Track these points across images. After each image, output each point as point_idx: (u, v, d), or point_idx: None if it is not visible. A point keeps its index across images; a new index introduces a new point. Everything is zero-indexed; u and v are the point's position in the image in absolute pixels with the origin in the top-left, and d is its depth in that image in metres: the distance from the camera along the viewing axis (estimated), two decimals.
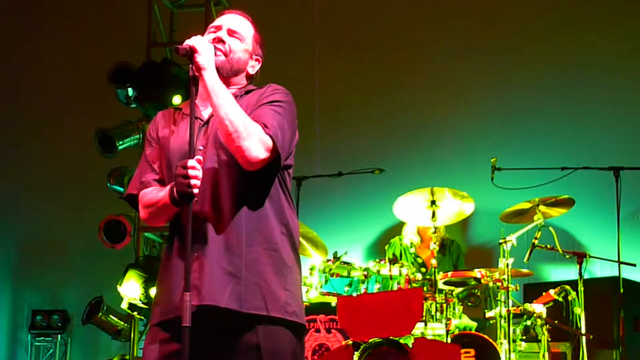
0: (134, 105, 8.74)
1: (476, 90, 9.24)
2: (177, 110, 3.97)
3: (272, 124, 3.67)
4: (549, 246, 7.10)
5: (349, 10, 9.73)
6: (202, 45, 3.64)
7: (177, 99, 8.16)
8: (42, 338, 9.71)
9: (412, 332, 6.29)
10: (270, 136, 3.63)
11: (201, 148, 3.72)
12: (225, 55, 3.84)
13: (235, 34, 3.90)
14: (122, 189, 8.76)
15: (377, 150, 9.07)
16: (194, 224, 3.56)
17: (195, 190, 3.53)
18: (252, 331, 3.62)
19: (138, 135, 8.71)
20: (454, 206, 7.54)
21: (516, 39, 9.21)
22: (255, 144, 3.59)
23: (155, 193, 3.80)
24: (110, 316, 8.73)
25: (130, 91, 8.65)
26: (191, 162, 3.52)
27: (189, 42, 3.65)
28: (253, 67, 3.99)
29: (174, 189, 3.61)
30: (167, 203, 3.69)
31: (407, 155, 9.10)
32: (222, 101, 3.61)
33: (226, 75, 3.85)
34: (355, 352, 6.16)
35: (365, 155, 8.78)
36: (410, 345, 6.13)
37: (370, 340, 6.17)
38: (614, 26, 9.01)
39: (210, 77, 3.64)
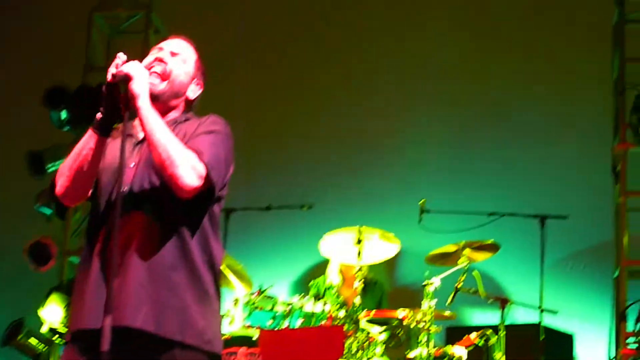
0: (67, 128, 8.67)
1: (407, 132, 9.30)
2: (113, 129, 3.95)
3: (208, 153, 3.67)
4: (472, 290, 7.17)
5: (283, 40, 9.76)
6: (136, 71, 3.63)
7: None
8: None
9: None
10: (205, 165, 3.63)
11: (132, 165, 3.71)
12: (166, 77, 3.86)
13: (178, 56, 3.93)
14: (49, 211, 8.71)
15: (306, 186, 9.06)
16: (118, 238, 3.53)
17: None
18: (166, 357, 3.59)
19: None
20: (380, 246, 7.57)
21: (449, 84, 9.30)
22: (188, 171, 3.58)
23: None
24: (31, 339, 8.61)
25: (63, 114, 8.58)
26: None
27: (124, 69, 3.62)
28: (193, 92, 4.00)
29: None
30: (90, 144, 3.66)
31: (336, 192, 9.09)
32: (154, 128, 3.60)
33: (166, 99, 3.88)
34: None
35: (295, 191, 8.79)
36: None
37: None
38: (545, 73, 9.14)
39: (143, 105, 3.62)
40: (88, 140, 3.67)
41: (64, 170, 3.75)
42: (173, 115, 3.93)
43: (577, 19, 9.10)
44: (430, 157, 9.18)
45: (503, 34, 9.35)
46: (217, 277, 3.84)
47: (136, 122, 3.83)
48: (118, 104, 3.61)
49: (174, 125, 3.85)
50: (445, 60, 9.34)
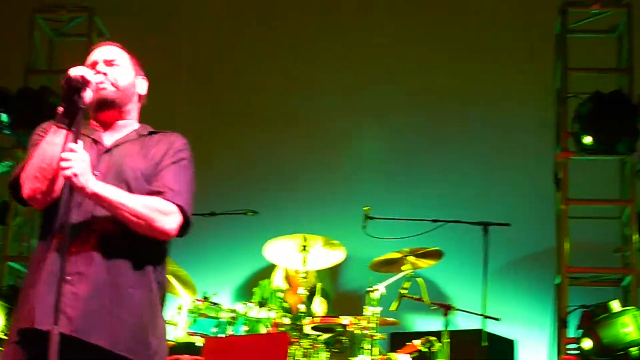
0: (8, 132, 8.55)
1: (352, 138, 9.35)
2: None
3: (179, 188, 3.75)
4: (416, 296, 7.20)
5: (220, 46, 9.70)
6: (78, 168, 3.48)
7: None
8: None
9: None
10: (178, 205, 3.70)
11: (97, 174, 3.65)
12: (115, 86, 3.85)
13: (113, 62, 3.91)
14: None
15: (250, 192, 9.01)
16: (78, 246, 3.54)
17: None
18: None
19: (11, 162, 8.52)
20: (324, 253, 7.59)
21: (392, 92, 9.34)
22: (167, 220, 3.67)
23: None
24: None
25: (4, 117, 8.47)
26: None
27: (66, 172, 3.48)
28: (142, 86, 4.04)
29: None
30: (56, 140, 3.55)
31: (280, 199, 9.08)
32: (113, 202, 3.57)
33: (120, 105, 3.88)
34: None
35: (239, 197, 8.74)
36: None
37: None
38: (488, 81, 9.22)
39: (92, 190, 3.53)
40: (53, 137, 3.59)
41: (31, 173, 3.62)
42: (130, 123, 3.95)
43: (521, 28, 9.17)
44: (374, 165, 9.22)
45: (446, 42, 9.40)
46: (165, 295, 3.86)
47: (95, 126, 3.84)
48: (77, 103, 3.56)
49: (138, 139, 3.89)
50: (388, 70, 9.37)
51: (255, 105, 9.50)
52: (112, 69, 3.89)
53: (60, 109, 3.59)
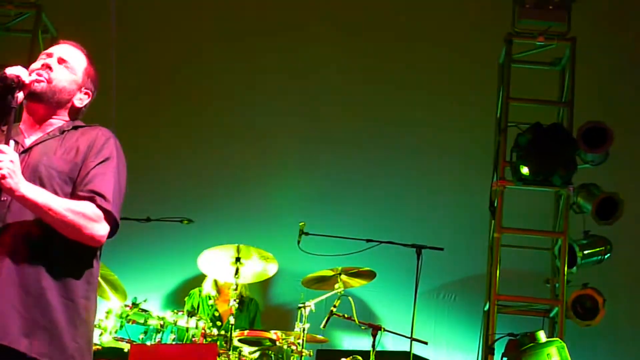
0: None
1: (291, 153, 9.37)
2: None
3: (106, 191, 3.69)
4: (346, 315, 7.22)
5: (165, 54, 9.62)
6: (7, 169, 3.46)
7: None
8: None
9: None
10: (105, 210, 3.65)
11: None
12: (49, 82, 3.78)
13: (64, 63, 3.87)
14: None
15: (187, 201, 8.99)
16: None
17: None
18: None
19: None
20: (257, 266, 7.59)
21: (332, 113, 9.39)
22: (96, 227, 3.62)
23: None
24: None
25: None
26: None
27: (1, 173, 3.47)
28: (81, 100, 3.95)
29: None
30: None
31: (217, 209, 9.07)
32: (43, 206, 3.53)
33: (47, 102, 3.81)
34: None
35: (175, 204, 8.70)
36: None
37: None
38: (429, 108, 9.29)
39: (22, 193, 3.50)
40: None
41: None
42: (58, 122, 3.87)
43: (465, 55, 9.23)
44: (312, 181, 9.23)
45: (386, 65, 9.44)
46: (95, 301, 3.81)
47: (21, 125, 3.78)
48: (9, 102, 3.55)
49: (60, 135, 3.82)
50: (329, 90, 9.40)
51: (196, 116, 9.46)
52: (57, 67, 3.85)
53: None
